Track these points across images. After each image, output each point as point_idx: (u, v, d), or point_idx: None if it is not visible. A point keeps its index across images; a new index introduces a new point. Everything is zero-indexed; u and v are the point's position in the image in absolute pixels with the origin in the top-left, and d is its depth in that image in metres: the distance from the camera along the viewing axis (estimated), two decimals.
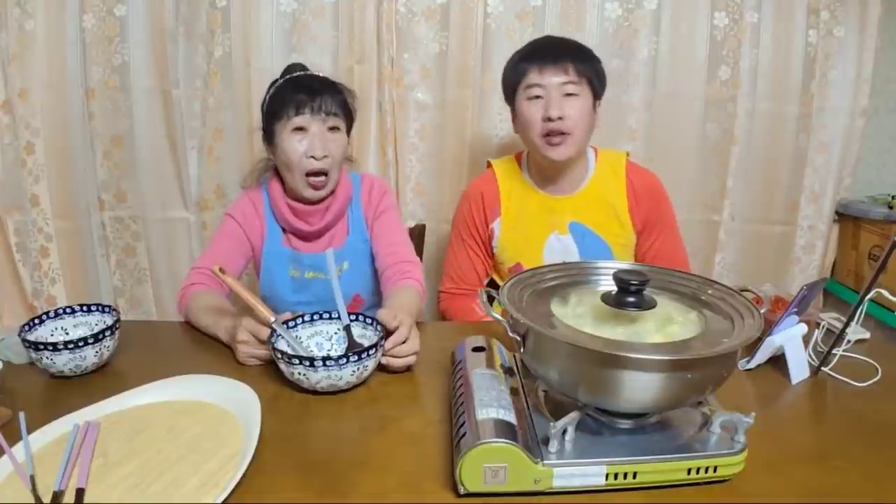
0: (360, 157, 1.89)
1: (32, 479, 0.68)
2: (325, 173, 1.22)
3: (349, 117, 1.27)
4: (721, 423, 0.73)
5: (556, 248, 1.39)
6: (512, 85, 1.34)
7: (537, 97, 1.29)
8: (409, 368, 0.97)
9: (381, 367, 0.96)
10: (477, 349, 0.89)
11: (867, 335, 1.11)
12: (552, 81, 1.27)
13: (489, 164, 1.49)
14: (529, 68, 1.29)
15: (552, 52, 1.29)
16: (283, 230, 1.31)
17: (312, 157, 1.19)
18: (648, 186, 1.39)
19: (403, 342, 0.95)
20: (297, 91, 1.19)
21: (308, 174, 1.21)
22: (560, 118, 1.27)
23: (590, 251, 1.37)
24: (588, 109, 1.30)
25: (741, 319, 0.74)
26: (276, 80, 1.25)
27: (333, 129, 1.22)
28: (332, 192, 1.28)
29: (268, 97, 1.24)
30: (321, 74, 1.26)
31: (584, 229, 1.38)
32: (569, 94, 1.28)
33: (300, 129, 1.19)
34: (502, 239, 1.42)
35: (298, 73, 1.24)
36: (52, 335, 1.00)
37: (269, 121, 1.22)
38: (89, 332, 0.94)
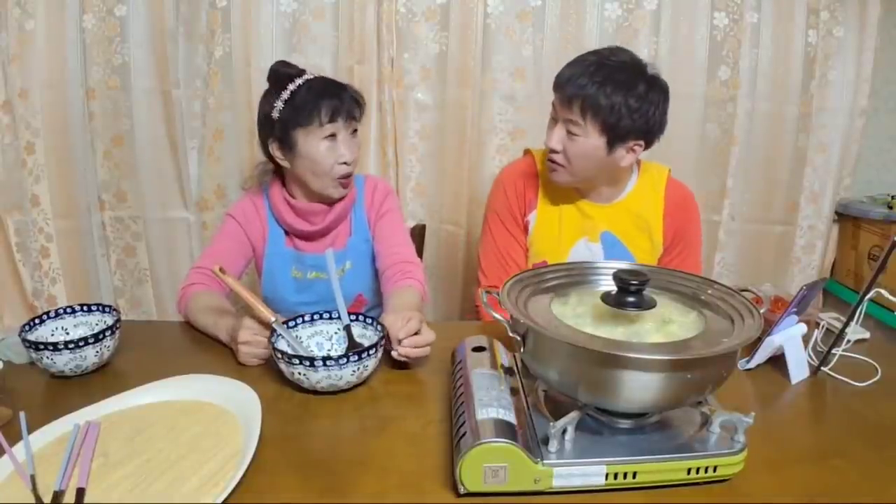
0: (361, 157, 1.88)
1: (33, 478, 0.68)
2: (351, 173, 1.25)
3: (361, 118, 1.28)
4: (721, 422, 0.73)
5: (583, 254, 1.33)
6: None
7: (553, 119, 1.23)
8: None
9: (392, 365, 0.97)
10: (477, 349, 0.89)
11: (867, 335, 1.11)
12: (559, 112, 1.20)
13: (527, 152, 1.41)
14: (555, 91, 1.21)
15: (571, 83, 1.16)
16: (286, 232, 1.31)
17: (344, 162, 1.21)
18: (683, 200, 1.35)
19: (416, 333, 0.96)
20: (327, 97, 1.18)
21: (338, 178, 1.23)
22: (553, 150, 1.21)
23: None
24: (592, 149, 1.18)
25: (741, 319, 0.74)
26: (282, 86, 1.19)
27: (354, 132, 1.24)
28: None
29: (280, 103, 1.18)
30: (327, 77, 1.25)
31: (614, 240, 1.34)
32: (570, 133, 1.18)
33: (331, 135, 1.19)
34: (534, 234, 1.36)
35: (310, 77, 1.21)
36: (52, 335, 1.00)
37: (289, 128, 1.18)
38: (90, 332, 0.94)
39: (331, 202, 1.28)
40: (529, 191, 1.35)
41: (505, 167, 1.42)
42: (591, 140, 1.17)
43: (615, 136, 1.16)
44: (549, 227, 1.35)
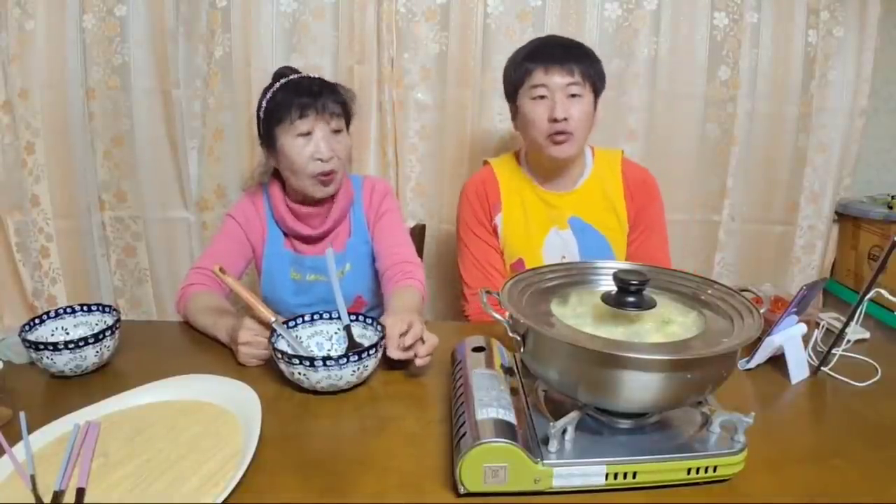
0: (361, 157, 1.89)
1: (33, 478, 0.68)
2: (332, 171, 1.21)
3: (349, 117, 1.26)
4: (721, 422, 0.73)
5: (555, 244, 1.39)
6: (515, 83, 1.34)
7: (542, 97, 1.29)
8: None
9: (391, 366, 0.97)
10: (477, 349, 0.89)
11: (867, 335, 1.11)
12: (557, 82, 1.28)
13: (486, 163, 1.49)
14: (535, 68, 1.29)
15: (557, 52, 1.30)
16: (285, 234, 1.31)
17: (319, 159, 1.18)
18: (643, 181, 1.42)
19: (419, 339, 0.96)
20: (299, 95, 1.17)
21: (316, 175, 1.20)
22: (565, 119, 1.27)
23: (589, 246, 1.37)
24: (590, 110, 1.32)
25: (741, 319, 0.74)
26: (272, 85, 1.22)
27: (337, 131, 1.21)
28: (336, 192, 1.27)
29: (265, 102, 1.21)
30: (316, 76, 1.25)
31: (583, 224, 1.39)
32: (573, 95, 1.29)
33: (307, 133, 1.18)
34: (504, 234, 1.41)
35: (294, 77, 1.23)
36: (52, 335, 1.00)
37: (270, 126, 1.20)
38: (90, 332, 0.95)
39: (314, 202, 1.27)
40: (492, 195, 1.41)
41: (466, 181, 1.49)
42: (589, 99, 1.31)
43: (597, 91, 1.34)
44: (517, 225, 1.40)
